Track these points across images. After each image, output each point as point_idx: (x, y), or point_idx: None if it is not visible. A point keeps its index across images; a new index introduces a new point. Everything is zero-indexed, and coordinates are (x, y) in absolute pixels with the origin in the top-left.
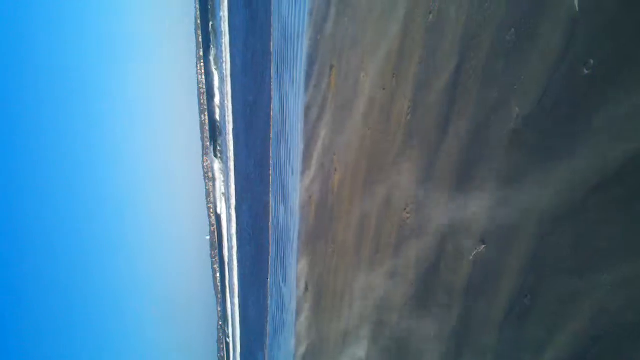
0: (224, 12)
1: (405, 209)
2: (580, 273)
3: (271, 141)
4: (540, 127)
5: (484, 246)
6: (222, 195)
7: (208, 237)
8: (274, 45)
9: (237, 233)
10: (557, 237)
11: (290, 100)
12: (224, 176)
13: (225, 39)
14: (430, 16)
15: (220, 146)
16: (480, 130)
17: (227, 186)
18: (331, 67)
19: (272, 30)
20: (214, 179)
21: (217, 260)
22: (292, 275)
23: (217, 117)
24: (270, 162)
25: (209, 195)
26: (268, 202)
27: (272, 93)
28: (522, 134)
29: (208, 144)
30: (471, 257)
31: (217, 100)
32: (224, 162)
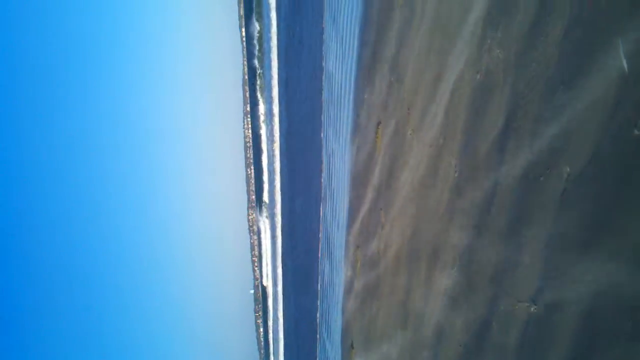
0: (274, 70)
1: (452, 268)
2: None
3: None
4: (591, 188)
5: (535, 307)
6: (267, 249)
7: (252, 291)
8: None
9: (283, 288)
10: (613, 303)
11: (337, 156)
12: (269, 230)
13: (275, 93)
14: (478, 75)
15: (266, 200)
16: (530, 189)
17: (272, 241)
18: (378, 123)
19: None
20: (258, 233)
21: (261, 315)
22: (337, 332)
23: (264, 172)
24: (321, 214)
25: (253, 248)
26: (313, 258)
27: (322, 151)
28: (572, 194)
29: (253, 197)
30: (523, 318)
31: (264, 156)
32: (270, 216)
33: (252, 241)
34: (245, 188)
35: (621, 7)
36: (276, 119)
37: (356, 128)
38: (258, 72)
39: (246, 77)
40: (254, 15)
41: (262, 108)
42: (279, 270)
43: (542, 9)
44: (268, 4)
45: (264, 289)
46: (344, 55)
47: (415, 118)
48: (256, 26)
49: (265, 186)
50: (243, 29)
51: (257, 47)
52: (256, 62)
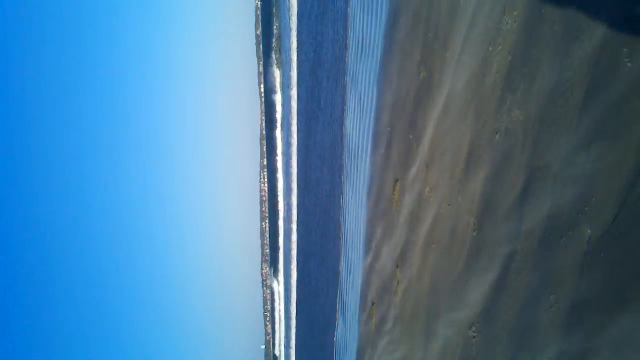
0: (294, 128)
1: (471, 328)
2: None
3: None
4: (613, 250)
5: None
6: (280, 304)
7: (263, 347)
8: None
9: (295, 346)
10: None
11: (353, 213)
12: (283, 285)
13: (293, 149)
14: (497, 136)
15: (281, 255)
16: (550, 251)
17: (287, 296)
18: (396, 180)
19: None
20: (272, 287)
21: None
22: None
23: (280, 226)
24: (341, 267)
25: (266, 303)
26: (328, 315)
27: (339, 208)
28: (594, 257)
29: (267, 251)
30: None
31: (280, 211)
32: (285, 272)
33: (264, 295)
34: (259, 242)
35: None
36: (294, 174)
37: (373, 185)
38: (276, 124)
39: (264, 132)
40: (273, 67)
41: (280, 162)
42: (293, 330)
43: (563, 73)
44: (290, 61)
45: (274, 344)
46: (362, 113)
47: (434, 176)
48: (276, 77)
49: (281, 240)
50: (262, 86)
51: (275, 106)
52: (276, 115)
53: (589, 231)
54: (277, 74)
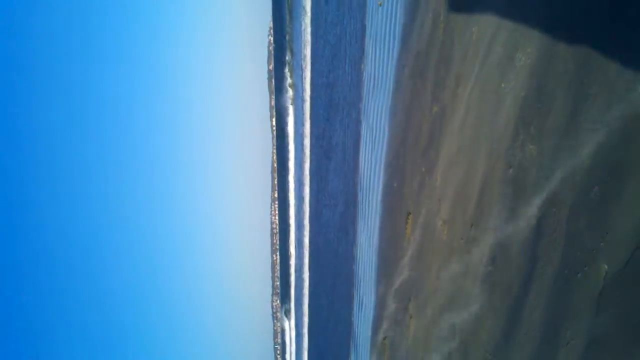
0: (306, 161)
1: None
2: None
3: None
4: (629, 288)
5: None
6: (290, 337)
7: None
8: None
9: None
10: None
11: (365, 247)
12: (294, 319)
13: (305, 189)
14: (511, 170)
15: (292, 290)
16: (566, 288)
17: (298, 330)
18: (408, 213)
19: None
20: (282, 320)
21: None
22: None
23: (292, 259)
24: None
25: (276, 336)
26: (340, 348)
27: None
28: (610, 293)
29: (278, 283)
30: None
31: (292, 249)
32: (297, 305)
33: (275, 328)
34: (270, 274)
35: None
36: (306, 207)
37: (385, 218)
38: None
39: (275, 164)
40: (287, 103)
41: (292, 197)
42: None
43: (576, 109)
44: (302, 97)
45: None
46: (374, 147)
47: (446, 209)
48: (289, 112)
49: (292, 274)
50: (274, 119)
51: (285, 140)
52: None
53: (606, 267)
54: (290, 110)
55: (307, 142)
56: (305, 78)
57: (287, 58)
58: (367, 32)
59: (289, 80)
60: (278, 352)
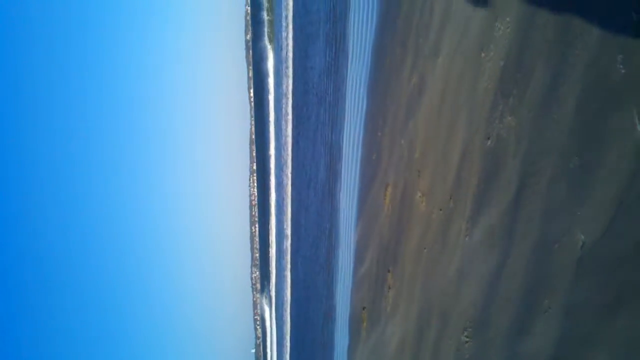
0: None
1: (464, 333)
2: None
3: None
4: (607, 257)
5: None
6: (267, 305)
7: (253, 351)
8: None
9: (290, 347)
10: None
11: (343, 217)
12: (272, 285)
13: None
14: (489, 141)
15: (272, 260)
16: (544, 257)
17: (279, 298)
18: (386, 185)
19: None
20: (261, 290)
21: None
22: None
23: (272, 228)
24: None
25: (255, 306)
26: (320, 316)
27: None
28: (588, 263)
29: (257, 255)
30: None
31: (272, 215)
32: (279, 277)
33: (254, 299)
34: (249, 245)
35: (637, 77)
36: (287, 179)
37: (363, 190)
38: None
39: (253, 136)
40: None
41: (272, 168)
42: (286, 332)
43: (556, 79)
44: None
45: (265, 347)
46: (352, 119)
47: (426, 181)
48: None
49: (273, 243)
50: (251, 90)
51: (268, 110)
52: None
53: (583, 237)
54: (270, 82)
55: (289, 110)
56: (287, 39)
57: (265, 17)
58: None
59: (268, 46)
60: (258, 322)
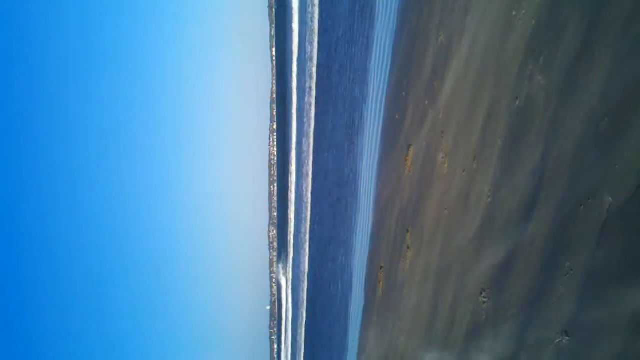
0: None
1: (481, 294)
2: None
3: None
4: (632, 221)
5: (567, 338)
6: (285, 265)
7: (268, 307)
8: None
9: (306, 305)
10: None
11: (365, 179)
12: (290, 244)
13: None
14: (517, 101)
15: (290, 220)
16: (568, 219)
17: (297, 257)
18: (409, 145)
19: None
20: (279, 249)
21: (276, 332)
22: (354, 351)
23: (290, 188)
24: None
25: (272, 264)
26: (334, 272)
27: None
28: (612, 226)
29: (275, 214)
30: (553, 347)
31: (292, 179)
32: (297, 237)
33: (270, 257)
34: (267, 206)
35: None
36: (310, 140)
37: (385, 149)
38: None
39: (274, 95)
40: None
41: (294, 130)
42: (303, 291)
43: (589, 38)
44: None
45: (280, 304)
46: (376, 77)
47: (449, 142)
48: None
49: (292, 200)
50: (273, 49)
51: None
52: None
53: (610, 199)
54: (295, 42)
55: (313, 68)
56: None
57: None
58: None
59: (293, 6)
60: (274, 280)
